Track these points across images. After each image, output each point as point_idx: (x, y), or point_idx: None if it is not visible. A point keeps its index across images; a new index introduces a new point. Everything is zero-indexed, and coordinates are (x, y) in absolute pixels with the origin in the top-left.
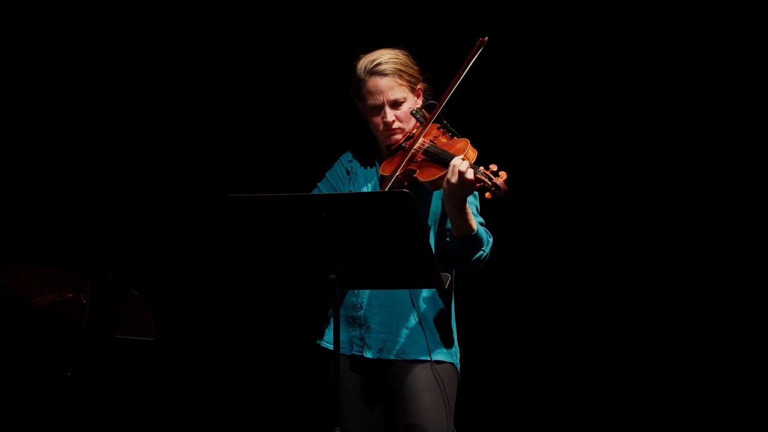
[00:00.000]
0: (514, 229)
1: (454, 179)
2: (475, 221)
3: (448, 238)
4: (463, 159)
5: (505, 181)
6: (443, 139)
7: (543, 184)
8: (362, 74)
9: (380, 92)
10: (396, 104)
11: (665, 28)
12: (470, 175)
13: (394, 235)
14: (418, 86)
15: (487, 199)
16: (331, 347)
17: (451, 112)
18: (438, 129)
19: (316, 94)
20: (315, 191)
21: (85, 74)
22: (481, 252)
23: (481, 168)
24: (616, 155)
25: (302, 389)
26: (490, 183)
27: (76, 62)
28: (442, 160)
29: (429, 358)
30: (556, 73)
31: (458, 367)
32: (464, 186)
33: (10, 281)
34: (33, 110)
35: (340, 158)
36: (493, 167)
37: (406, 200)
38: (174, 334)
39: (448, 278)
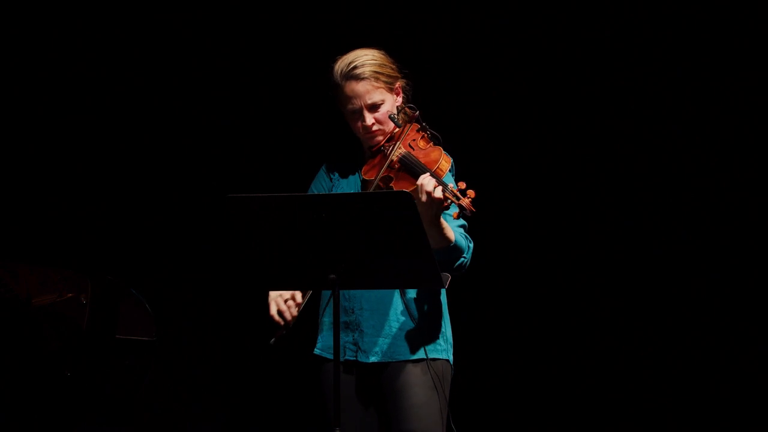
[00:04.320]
0: (507, 226)
1: (423, 198)
2: (452, 232)
3: None
4: (434, 171)
5: (472, 201)
6: (422, 144)
7: (535, 181)
8: (339, 79)
9: (358, 96)
10: (374, 107)
11: (664, 28)
12: (438, 193)
13: (394, 235)
14: (397, 84)
15: (454, 218)
16: (324, 354)
17: (433, 114)
18: (417, 131)
19: (316, 94)
20: None
21: (86, 74)
22: (462, 259)
23: (450, 186)
24: (613, 154)
25: (302, 389)
26: (456, 202)
27: (76, 62)
28: (416, 172)
29: (424, 357)
30: (552, 71)
31: (451, 361)
32: (433, 205)
33: (10, 281)
34: (33, 110)
35: (319, 172)
36: (462, 185)
37: (406, 200)
38: (174, 334)
39: (448, 278)
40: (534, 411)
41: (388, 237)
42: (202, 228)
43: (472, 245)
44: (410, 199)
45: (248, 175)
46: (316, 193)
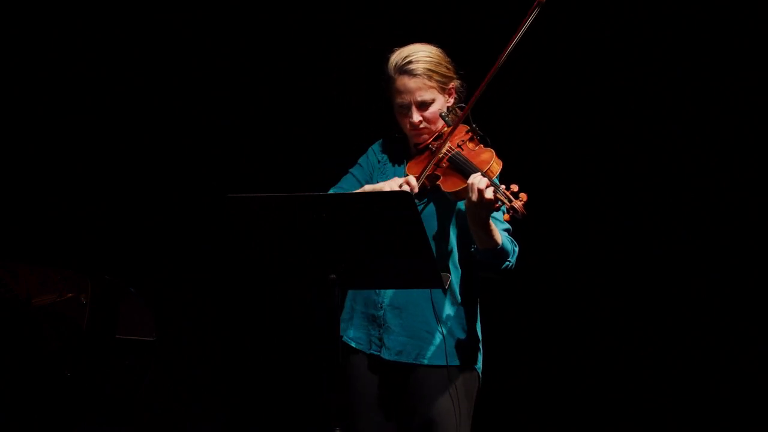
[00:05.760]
0: (531, 230)
1: (473, 197)
2: (500, 235)
3: (473, 248)
4: (485, 173)
5: (525, 204)
6: (471, 145)
7: (534, 181)
8: (392, 71)
9: (408, 92)
10: (423, 105)
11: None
12: (489, 194)
13: (394, 235)
14: (451, 85)
15: (505, 220)
16: (352, 344)
17: (480, 115)
18: (467, 132)
19: (317, 94)
20: (348, 176)
21: (86, 74)
22: (507, 263)
23: (502, 187)
24: (613, 154)
25: (302, 389)
26: (509, 205)
27: (76, 62)
28: (466, 171)
29: (448, 363)
30: (551, 71)
31: (480, 371)
32: (483, 205)
33: (10, 281)
34: (33, 110)
35: (372, 147)
36: (514, 188)
37: (406, 200)
38: (174, 334)
39: (447, 278)
40: (535, 412)
41: (388, 237)
42: (202, 228)
43: (517, 249)
44: (410, 199)
45: (248, 175)
46: (364, 167)
